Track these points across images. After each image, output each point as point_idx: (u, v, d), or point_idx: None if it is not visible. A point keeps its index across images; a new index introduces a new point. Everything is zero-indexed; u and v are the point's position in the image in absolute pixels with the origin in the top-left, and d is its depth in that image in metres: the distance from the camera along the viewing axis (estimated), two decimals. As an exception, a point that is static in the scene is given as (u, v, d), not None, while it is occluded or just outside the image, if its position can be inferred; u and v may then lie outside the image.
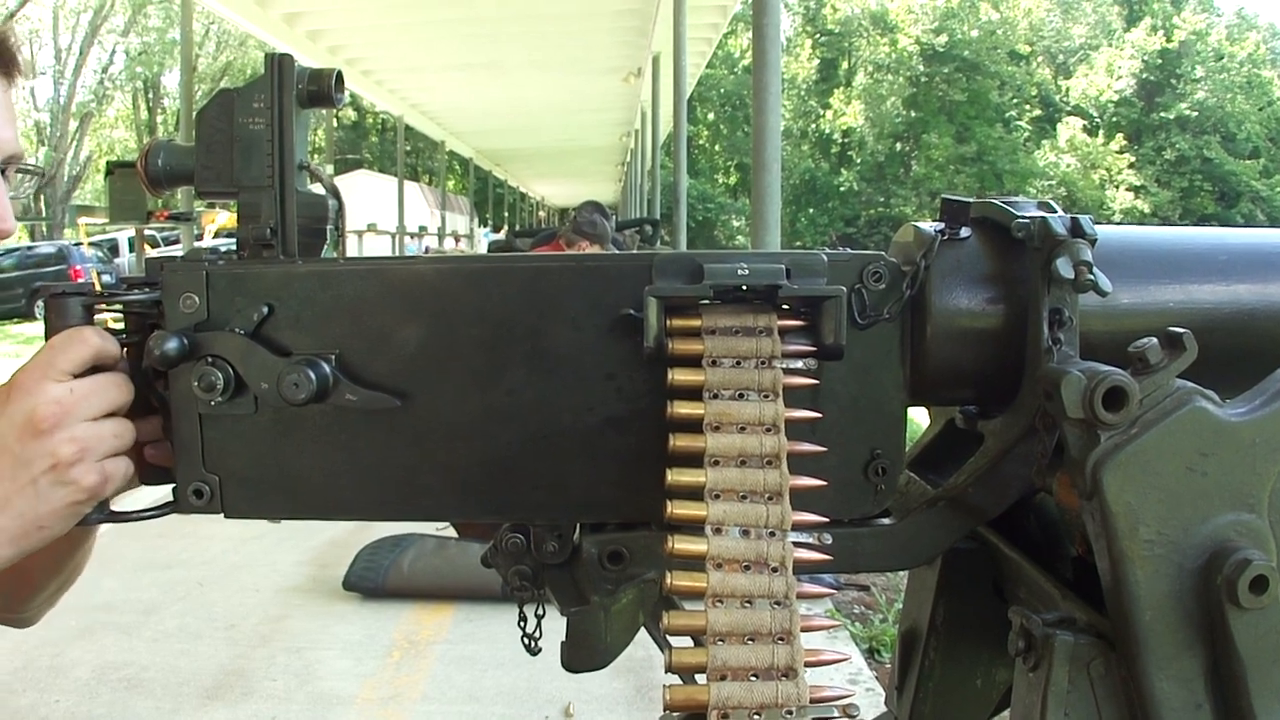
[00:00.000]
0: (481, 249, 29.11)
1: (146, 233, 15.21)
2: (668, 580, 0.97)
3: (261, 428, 1.12)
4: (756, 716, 0.89)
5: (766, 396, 1.01)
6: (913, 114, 56.90)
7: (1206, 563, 0.99)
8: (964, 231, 1.13)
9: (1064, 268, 1.03)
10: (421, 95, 22.27)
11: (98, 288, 1.15)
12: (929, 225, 1.15)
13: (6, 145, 1.43)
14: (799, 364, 1.03)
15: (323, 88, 1.14)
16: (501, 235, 25.27)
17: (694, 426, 1.00)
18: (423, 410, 1.11)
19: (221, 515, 1.14)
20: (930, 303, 1.11)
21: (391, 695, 4.43)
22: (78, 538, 1.48)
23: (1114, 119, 56.54)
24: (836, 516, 1.12)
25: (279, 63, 1.12)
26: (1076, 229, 1.05)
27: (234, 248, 1.14)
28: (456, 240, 31.27)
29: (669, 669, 0.95)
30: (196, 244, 14.19)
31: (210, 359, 1.09)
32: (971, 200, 1.16)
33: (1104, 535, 0.99)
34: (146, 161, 1.15)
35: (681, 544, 0.96)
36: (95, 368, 1.10)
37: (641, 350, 1.02)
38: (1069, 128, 56.14)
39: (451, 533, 5.66)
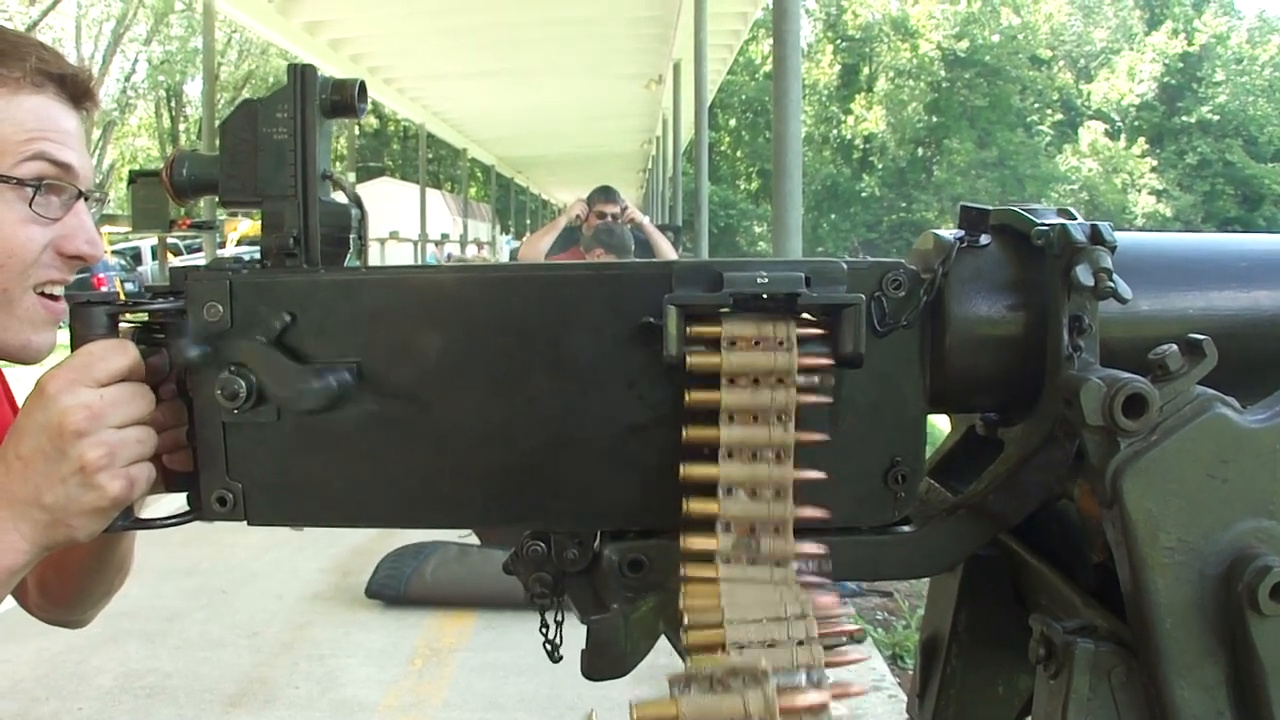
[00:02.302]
0: (504, 256, 29.13)
1: (169, 241, 15.26)
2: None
3: (284, 435, 1.12)
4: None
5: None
6: (934, 119, 56.74)
7: (1227, 569, 0.99)
8: (983, 239, 1.13)
9: (1084, 275, 1.03)
10: (443, 103, 22.28)
11: (122, 297, 1.15)
12: (949, 233, 1.14)
13: (89, 174, 1.48)
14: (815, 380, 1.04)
15: (346, 98, 1.15)
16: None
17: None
18: (444, 418, 1.12)
19: (245, 522, 1.15)
20: (950, 310, 1.10)
21: (414, 703, 4.45)
22: (111, 542, 1.50)
23: (1136, 123, 56.23)
24: (856, 524, 1.12)
25: (301, 73, 1.13)
26: (1096, 236, 1.05)
27: (257, 256, 1.15)
28: (479, 247, 31.29)
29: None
30: (219, 252, 14.23)
31: (233, 367, 1.09)
32: (990, 208, 1.16)
33: (1124, 542, 0.99)
34: (172, 172, 1.17)
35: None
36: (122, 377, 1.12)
37: (661, 358, 1.03)
38: (1090, 132, 55.85)
39: (474, 540, 5.67)
